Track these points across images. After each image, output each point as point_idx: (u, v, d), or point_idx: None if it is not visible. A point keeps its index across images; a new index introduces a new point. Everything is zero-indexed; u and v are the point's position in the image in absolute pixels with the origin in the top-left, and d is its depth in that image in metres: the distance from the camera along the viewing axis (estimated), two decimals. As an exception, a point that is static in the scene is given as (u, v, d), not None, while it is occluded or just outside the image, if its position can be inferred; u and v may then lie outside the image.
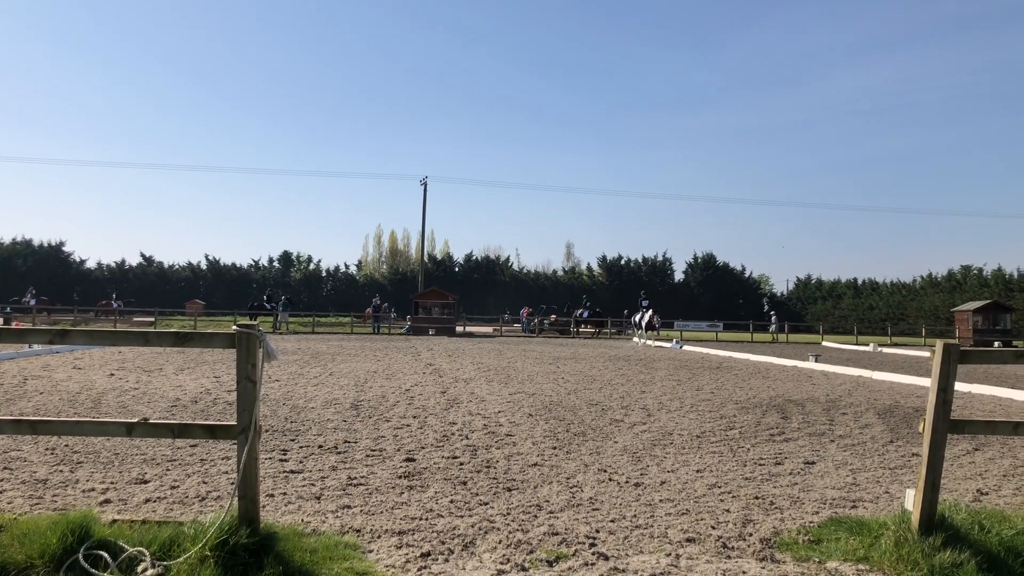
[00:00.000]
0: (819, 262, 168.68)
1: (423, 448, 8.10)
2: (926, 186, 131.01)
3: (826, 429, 10.05)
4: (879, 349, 36.42)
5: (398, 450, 7.94)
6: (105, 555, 4.08)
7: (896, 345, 42.94)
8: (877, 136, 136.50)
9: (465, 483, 6.56)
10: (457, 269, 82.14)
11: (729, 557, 4.73)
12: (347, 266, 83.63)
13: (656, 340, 37.51)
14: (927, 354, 4.82)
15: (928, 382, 4.87)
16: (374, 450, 7.91)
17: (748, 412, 11.49)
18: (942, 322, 60.54)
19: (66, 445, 7.66)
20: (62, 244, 75.38)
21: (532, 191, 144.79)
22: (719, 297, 79.40)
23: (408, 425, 9.57)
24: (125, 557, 4.10)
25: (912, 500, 4.88)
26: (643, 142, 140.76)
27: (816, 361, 23.05)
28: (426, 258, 74.78)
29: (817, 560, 4.68)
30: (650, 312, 39.33)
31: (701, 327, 55.73)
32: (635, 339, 38.52)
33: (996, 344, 42.01)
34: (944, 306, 63.17)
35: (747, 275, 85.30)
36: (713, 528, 5.33)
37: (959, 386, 15.11)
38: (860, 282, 79.92)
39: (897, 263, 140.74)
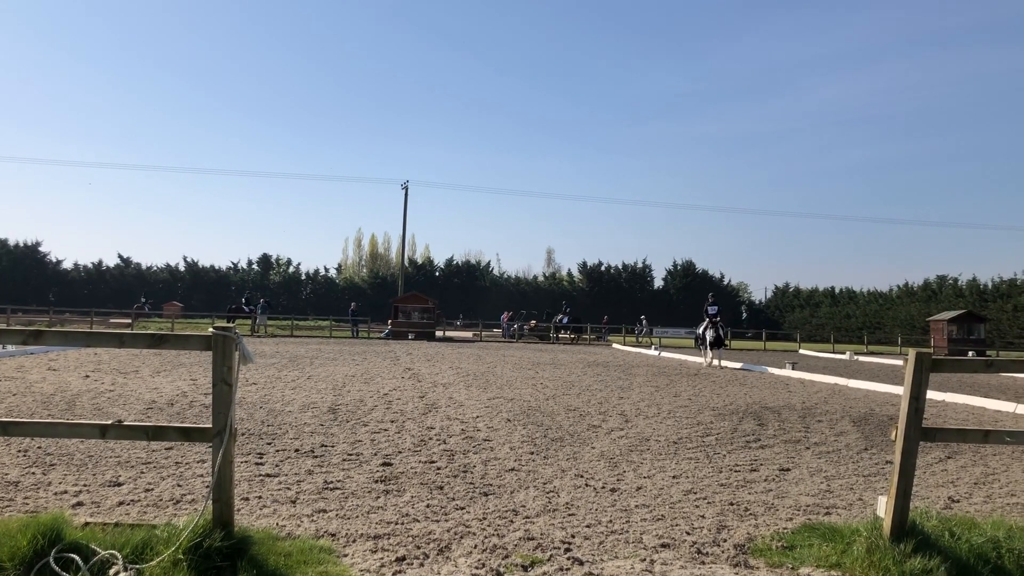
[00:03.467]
0: (797, 271, 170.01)
1: (400, 452, 8.09)
2: (903, 197, 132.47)
3: (802, 436, 10.12)
4: (855, 357, 36.70)
5: (375, 454, 7.92)
6: (77, 558, 4.05)
7: (872, 354, 43.28)
8: (855, 146, 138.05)
9: (442, 488, 6.56)
10: (438, 274, 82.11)
11: (703, 563, 4.75)
12: (327, 269, 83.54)
13: (722, 360, 25.94)
14: (902, 363, 4.87)
15: (902, 390, 4.93)
16: (351, 454, 7.89)
17: (725, 419, 11.55)
18: (918, 331, 61.10)
19: (39, 447, 7.58)
20: (38, 244, 74.73)
21: (514, 197, 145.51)
22: (698, 304, 79.10)
23: (386, 430, 9.55)
24: (97, 560, 4.07)
25: (884, 507, 4.93)
26: (624, 149, 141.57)
27: (793, 369, 23.22)
28: (407, 262, 74.65)
29: (790, 566, 4.71)
30: (718, 321, 25.32)
31: (680, 334, 56.04)
32: (703, 360, 26.03)
33: (970, 354, 42.43)
34: (920, 315, 63.77)
35: (726, 283, 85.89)
36: (688, 534, 5.36)
37: (933, 395, 15.28)
38: (837, 291, 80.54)
39: (874, 272, 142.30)
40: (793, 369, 23.10)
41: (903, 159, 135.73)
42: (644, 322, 56.57)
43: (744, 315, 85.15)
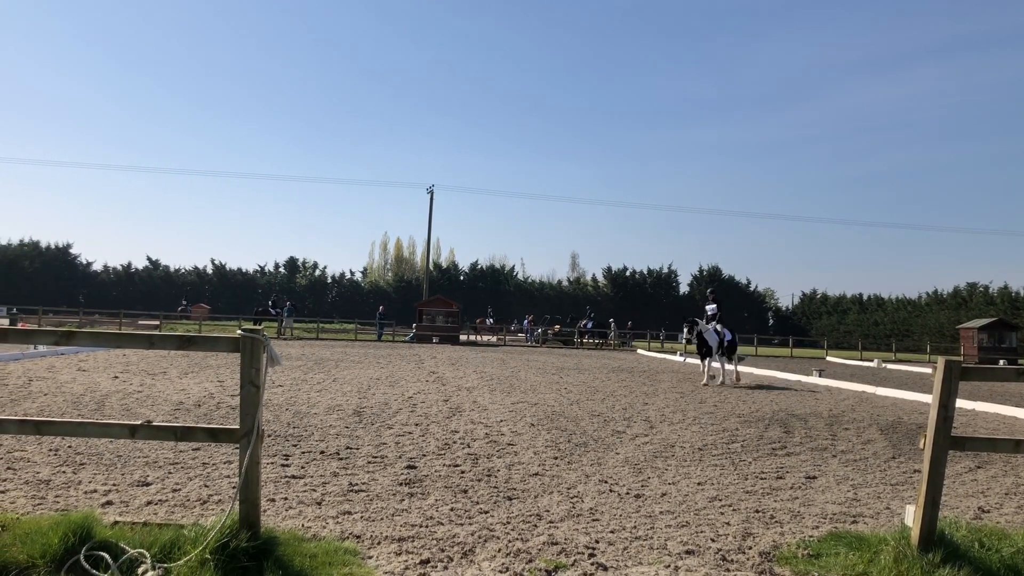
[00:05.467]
0: (825, 277, 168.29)
1: (424, 456, 8.11)
2: (932, 203, 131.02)
3: (828, 444, 10.03)
4: (883, 365, 36.35)
5: (399, 457, 7.95)
6: (106, 556, 4.10)
7: (900, 361, 42.82)
8: (884, 152, 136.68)
9: (466, 491, 6.57)
10: (462, 278, 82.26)
11: (728, 570, 4.73)
12: (352, 273, 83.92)
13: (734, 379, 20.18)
14: (931, 371, 4.82)
15: (931, 399, 4.87)
16: (376, 457, 7.92)
17: (751, 426, 11.48)
18: (947, 339, 60.38)
19: (69, 446, 7.69)
20: (69, 246, 75.69)
21: (538, 201, 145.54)
22: (724, 310, 79.18)
23: (410, 432, 9.58)
24: (126, 559, 4.12)
25: (912, 516, 4.88)
26: (650, 154, 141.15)
27: (820, 376, 23.02)
28: (431, 266, 74.86)
29: (816, 575, 4.67)
30: (716, 321, 19.97)
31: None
32: (708, 379, 19.76)
33: (1001, 362, 41.86)
34: (949, 323, 62.99)
35: (752, 289, 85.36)
36: (713, 541, 5.32)
37: (963, 403, 15.08)
38: (865, 297, 79.81)
39: (903, 279, 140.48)
40: (820, 376, 22.90)
41: (933, 164, 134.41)
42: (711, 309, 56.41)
43: (771, 322, 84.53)
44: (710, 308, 20.74)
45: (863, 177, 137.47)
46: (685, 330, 20.48)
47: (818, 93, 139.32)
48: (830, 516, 6.20)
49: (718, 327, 19.82)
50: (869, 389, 19.13)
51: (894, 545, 4.75)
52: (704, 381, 19.43)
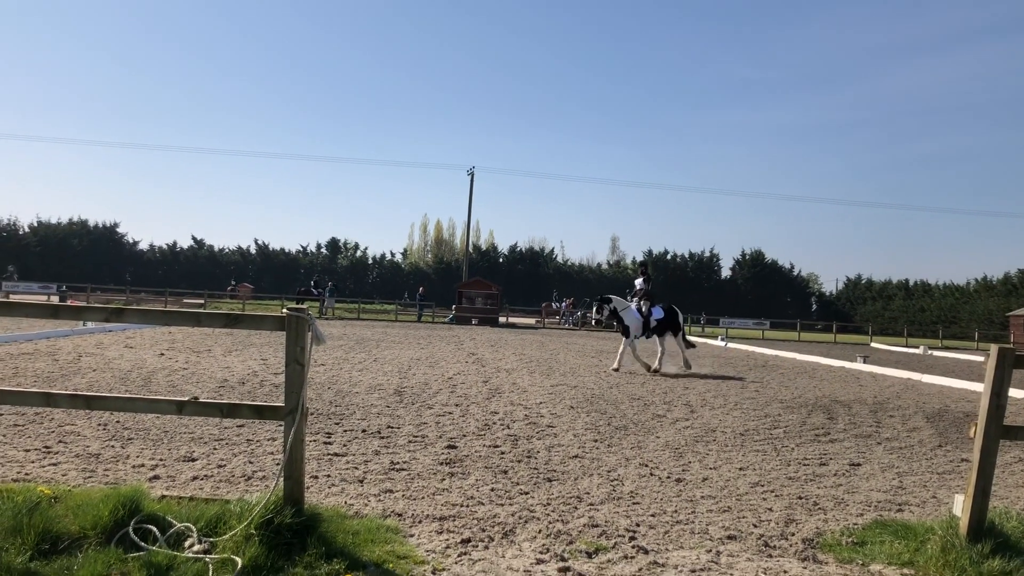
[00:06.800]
0: (870, 262, 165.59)
1: (465, 436, 8.15)
2: (982, 187, 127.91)
3: (873, 431, 9.89)
4: (930, 352, 35.71)
5: (440, 437, 8.00)
6: (154, 529, 4.18)
7: (947, 348, 42.05)
8: (933, 135, 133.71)
9: (506, 472, 6.59)
10: (501, 260, 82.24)
11: (770, 556, 4.68)
12: (393, 254, 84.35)
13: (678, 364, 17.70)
14: (979, 358, 4.73)
15: (980, 387, 4.77)
16: (416, 436, 7.98)
17: (793, 411, 11.35)
18: (996, 326, 59.15)
19: (117, 421, 7.85)
20: (116, 225, 76.93)
21: (579, 183, 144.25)
22: (766, 295, 78.45)
23: (450, 413, 9.63)
24: (173, 532, 4.19)
25: (961, 506, 4.78)
26: (692, 137, 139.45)
27: (864, 362, 22.69)
28: (471, 248, 74.96)
29: (860, 563, 4.61)
30: (642, 297, 17.70)
31: (747, 325, 55.02)
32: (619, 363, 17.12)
33: (1052, 351, 40.87)
34: (999, 310, 61.68)
35: (795, 273, 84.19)
36: (755, 526, 5.28)
37: (1014, 392, 14.77)
38: (912, 283, 78.39)
39: (951, 265, 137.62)
40: (864, 363, 22.57)
41: (985, 148, 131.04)
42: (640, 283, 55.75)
43: (814, 307, 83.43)
44: (638, 282, 18.22)
45: (912, 160, 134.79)
46: (594, 309, 17.94)
47: (867, 74, 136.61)
48: (875, 504, 6.11)
49: (643, 305, 17.45)
50: (915, 376, 18.82)
51: (942, 535, 4.66)
52: (615, 365, 17.01)
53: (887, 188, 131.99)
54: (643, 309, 17.39)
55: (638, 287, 18.08)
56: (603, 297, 17.74)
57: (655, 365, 16.88)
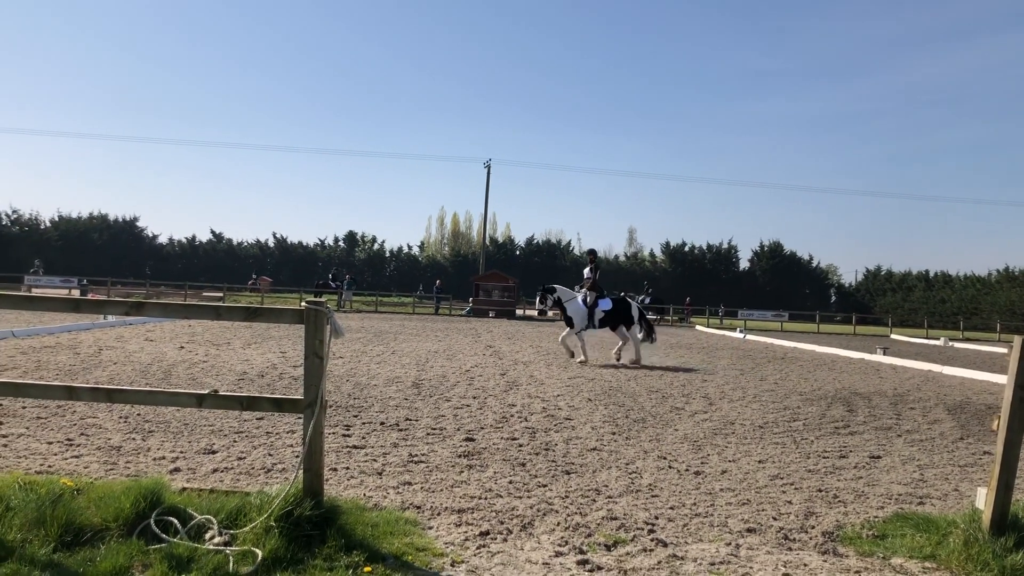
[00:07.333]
0: (889, 253, 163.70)
1: (482, 428, 8.16)
2: (1004, 177, 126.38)
3: (893, 423, 9.82)
4: (950, 344, 35.42)
5: (458, 429, 8.01)
6: (175, 522, 4.21)
7: (968, 340, 41.69)
8: (952, 125, 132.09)
9: (524, 464, 6.59)
10: (518, 252, 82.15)
11: (790, 549, 4.66)
12: (410, 247, 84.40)
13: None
14: (1002, 350, 4.67)
15: (1003, 379, 4.72)
16: (434, 429, 7.99)
17: (812, 404, 11.29)
18: (1018, 318, 58.59)
19: (138, 414, 7.91)
20: (136, 220, 77.38)
21: (595, 175, 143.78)
22: (785, 287, 78.00)
23: (468, 405, 9.64)
24: (194, 524, 4.23)
25: (984, 499, 4.74)
26: (709, 128, 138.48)
27: (884, 354, 22.52)
28: (487, 241, 74.98)
29: (881, 556, 4.58)
30: (588, 288, 17.05)
31: (766, 317, 54.76)
32: (570, 354, 16.84)
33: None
34: (1021, 301, 61.09)
35: (814, 265, 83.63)
36: (774, 519, 5.26)
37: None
38: (932, 274, 77.67)
39: (972, 256, 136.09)
40: (884, 354, 22.41)
41: (1003, 137, 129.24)
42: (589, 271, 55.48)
43: (833, 299, 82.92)
44: (586, 272, 17.50)
45: (931, 150, 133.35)
46: (537, 299, 17.38)
47: (886, 64, 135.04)
48: (895, 497, 6.07)
49: (588, 295, 16.81)
50: (935, 368, 18.66)
51: (964, 528, 4.62)
52: (580, 358, 16.38)
53: (906, 178, 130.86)
54: (587, 300, 16.79)
55: (586, 276, 17.38)
56: (546, 287, 17.18)
57: (613, 355, 16.87)
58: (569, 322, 16.68)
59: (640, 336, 17.09)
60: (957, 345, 34.81)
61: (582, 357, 16.33)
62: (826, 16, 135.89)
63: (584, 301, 16.75)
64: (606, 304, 16.93)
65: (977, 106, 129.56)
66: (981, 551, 4.37)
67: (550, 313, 17.81)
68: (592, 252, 18.28)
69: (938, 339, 39.30)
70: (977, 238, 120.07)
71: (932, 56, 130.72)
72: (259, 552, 3.95)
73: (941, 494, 6.26)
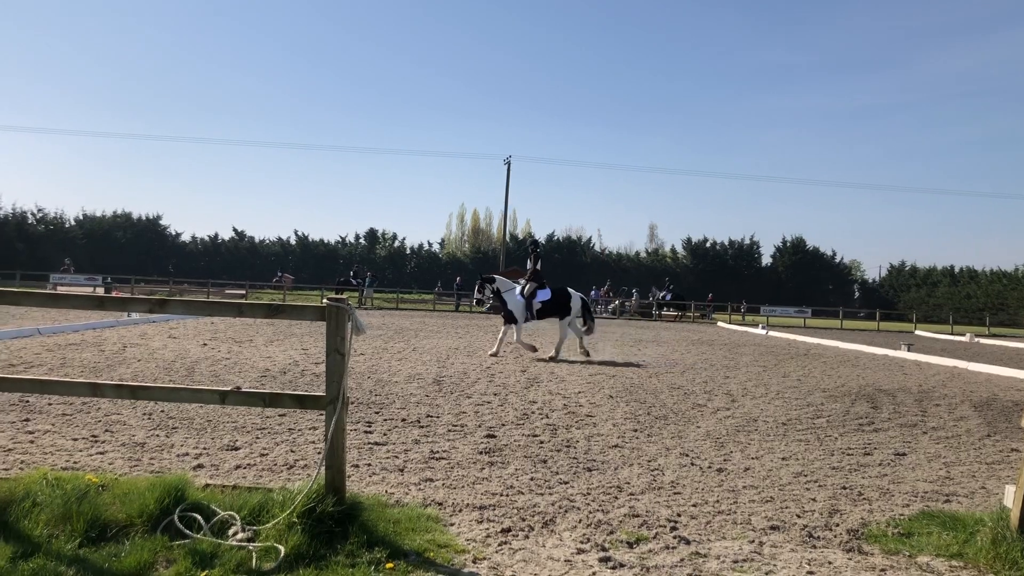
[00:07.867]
0: (914, 248, 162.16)
1: (504, 425, 8.15)
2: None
3: (918, 420, 9.72)
4: (976, 339, 35.03)
5: (479, 426, 8.01)
6: (199, 518, 4.24)
7: (995, 336, 41.20)
8: (980, 119, 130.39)
9: (545, 461, 6.58)
10: (538, 249, 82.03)
11: (815, 547, 4.62)
12: (430, 244, 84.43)
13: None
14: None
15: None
16: (456, 425, 8.00)
17: (836, 400, 11.20)
18: (1046, 313, 57.78)
19: (161, 411, 7.97)
20: (159, 218, 77.95)
21: (616, 171, 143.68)
22: (807, 282, 77.38)
23: (489, 402, 9.64)
24: (217, 520, 4.25)
25: (1012, 497, 4.67)
26: (730, 123, 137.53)
27: (909, 350, 22.31)
28: (508, 237, 74.97)
29: (907, 554, 4.53)
30: (528, 279, 16.81)
31: (788, 313, 54.40)
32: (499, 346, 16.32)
33: (1104, 338, 39.91)
34: (1048, 296, 60.26)
35: (837, 260, 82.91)
36: (798, 517, 5.21)
37: (1063, 380, 14.43)
38: (957, 270, 76.84)
39: (998, 251, 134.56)
40: (909, 350, 22.20)
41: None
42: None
43: (856, 295, 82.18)
44: (528, 263, 17.35)
45: (955, 144, 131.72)
46: (475, 290, 17.05)
47: (908, 57, 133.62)
48: (921, 494, 6.00)
49: (527, 286, 16.38)
50: (961, 364, 18.46)
51: (992, 526, 4.56)
52: (493, 349, 16.15)
53: (930, 173, 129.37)
54: (525, 291, 16.36)
55: (528, 268, 17.19)
56: (485, 276, 16.93)
57: (579, 352, 16.49)
58: (509, 316, 16.27)
59: (583, 329, 16.74)
60: (983, 341, 34.42)
61: (494, 350, 16.06)
62: (847, 10, 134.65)
63: (521, 293, 16.41)
64: (544, 295, 16.48)
65: (1004, 99, 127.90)
66: (1009, 549, 4.31)
67: (487, 304, 17.43)
68: (534, 243, 18.12)
69: (964, 335, 38.89)
70: (1004, 232, 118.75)
71: (955, 49, 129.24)
72: (282, 548, 3.96)
73: (968, 492, 6.18)
